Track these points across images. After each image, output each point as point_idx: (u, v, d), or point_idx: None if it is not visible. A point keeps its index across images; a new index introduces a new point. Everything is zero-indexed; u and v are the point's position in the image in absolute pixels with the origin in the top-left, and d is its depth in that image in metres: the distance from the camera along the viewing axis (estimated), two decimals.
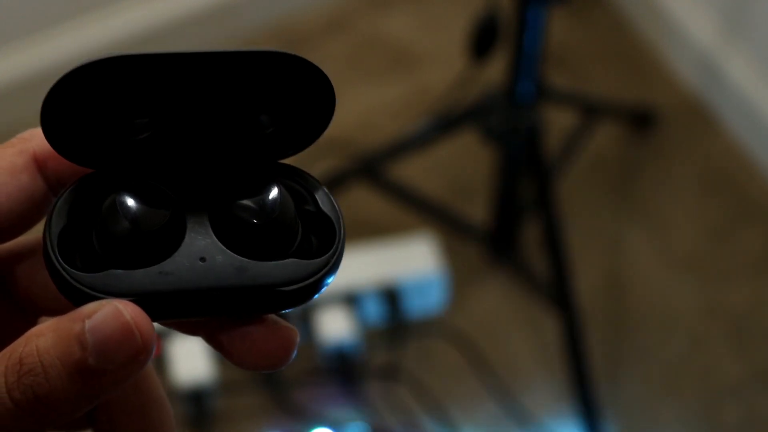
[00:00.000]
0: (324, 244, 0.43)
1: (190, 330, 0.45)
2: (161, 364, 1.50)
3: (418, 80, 1.89)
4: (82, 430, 0.46)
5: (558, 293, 1.56)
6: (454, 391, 1.60)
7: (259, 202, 0.42)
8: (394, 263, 1.61)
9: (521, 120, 1.51)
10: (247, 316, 0.43)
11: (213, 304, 0.42)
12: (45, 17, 1.79)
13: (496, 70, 1.62)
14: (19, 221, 0.45)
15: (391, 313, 1.62)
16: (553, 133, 1.72)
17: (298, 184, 0.44)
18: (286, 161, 0.45)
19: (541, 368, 1.62)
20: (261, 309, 0.42)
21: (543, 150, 1.54)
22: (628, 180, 1.80)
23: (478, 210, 1.72)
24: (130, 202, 0.41)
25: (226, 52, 0.41)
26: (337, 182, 1.65)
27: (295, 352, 0.43)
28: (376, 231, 1.70)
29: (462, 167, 1.79)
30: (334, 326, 1.56)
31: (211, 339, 0.44)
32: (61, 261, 0.41)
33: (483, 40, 1.54)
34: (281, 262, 0.42)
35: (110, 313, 0.39)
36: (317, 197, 0.44)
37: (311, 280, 0.42)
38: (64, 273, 0.40)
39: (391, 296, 1.61)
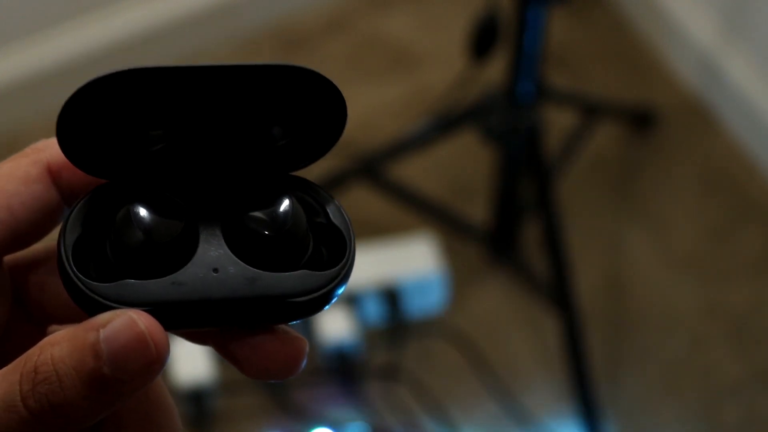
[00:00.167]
0: (334, 256, 0.44)
1: (201, 339, 0.46)
2: None
3: (418, 80, 1.89)
4: None
5: (558, 293, 1.56)
6: (454, 391, 1.60)
7: (271, 214, 0.43)
8: (394, 263, 1.61)
9: (521, 120, 1.51)
10: (258, 327, 0.43)
11: (225, 314, 0.42)
12: (45, 17, 1.79)
13: (496, 70, 1.62)
14: (33, 230, 0.45)
15: (391, 313, 1.62)
16: (553, 133, 1.72)
17: (310, 196, 0.45)
18: (298, 173, 0.45)
19: (541, 368, 1.63)
20: (272, 319, 0.43)
21: (543, 150, 1.54)
22: (628, 180, 1.80)
23: (478, 210, 1.72)
24: (144, 212, 0.41)
25: (240, 66, 0.41)
26: (337, 182, 1.65)
27: (305, 362, 0.44)
28: (376, 231, 1.70)
29: (462, 167, 1.79)
30: (334, 326, 1.56)
31: (222, 348, 0.44)
32: (75, 271, 0.41)
33: (483, 40, 1.54)
34: (293, 273, 0.42)
35: (125, 323, 0.39)
36: (328, 210, 0.44)
37: (322, 291, 0.43)
38: (78, 283, 0.41)
39: (391, 296, 1.61)
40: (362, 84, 1.88)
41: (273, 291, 0.42)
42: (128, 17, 1.84)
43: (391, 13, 1.97)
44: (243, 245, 0.43)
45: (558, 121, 1.77)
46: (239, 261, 0.42)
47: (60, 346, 0.39)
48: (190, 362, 1.52)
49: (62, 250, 0.41)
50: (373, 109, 1.85)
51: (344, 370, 1.59)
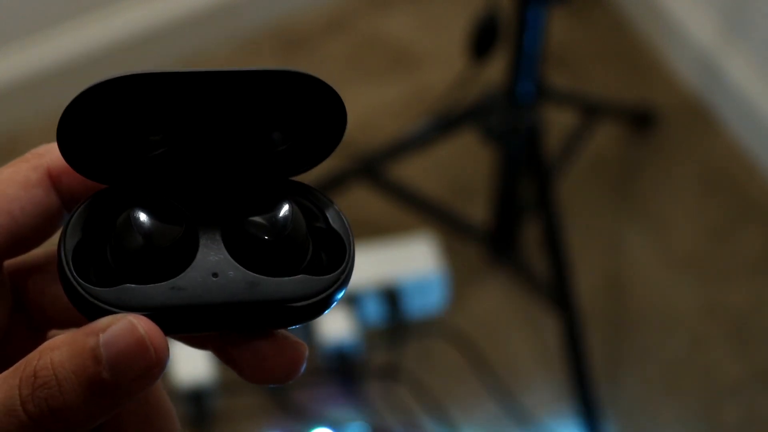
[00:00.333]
0: (334, 261, 0.44)
1: (200, 344, 0.46)
2: None
3: (418, 80, 1.89)
4: None
5: (558, 293, 1.56)
6: (454, 391, 1.61)
7: (270, 219, 0.43)
8: (394, 263, 1.61)
9: (521, 120, 1.51)
10: (257, 331, 0.43)
11: (225, 319, 0.42)
12: (45, 17, 1.79)
13: (496, 70, 1.62)
14: (33, 235, 0.45)
15: (391, 313, 1.62)
16: (553, 133, 1.72)
17: (309, 201, 0.45)
18: (297, 178, 0.45)
19: (541, 368, 1.63)
20: (272, 324, 0.43)
21: (543, 150, 1.54)
22: (628, 180, 1.80)
23: (478, 210, 1.72)
24: (144, 217, 0.41)
25: (240, 71, 0.42)
26: (337, 182, 1.65)
27: (304, 366, 0.44)
28: (376, 231, 1.70)
29: (462, 167, 1.79)
30: (334, 326, 1.56)
31: (221, 353, 0.44)
32: (75, 276, 0.41)
33: (483, 40, 1.54)
34: (292, 278, 0.43)
35: (124, 328, 0.39)
36: (328, 215, 0.45)
37: (321, 296, 0.43)
38: (78, 287, 0.41)
39: (391, 296, 1.61)
40: (362, 84, 1.88)
41: (272, 296, 0.42)
42: (128, 17, 1.84)
43: (391, 13, 1.97)
44: (243, 250, 0.43)
45: (558, 121, 1.77)
46: (239, 266, 0.42)
47: (60, 350, 0.39)
48: (190, 362, 1.52)
49: (62, 254, 0.41)
50: (373, 109, 1.85)
51: (344, 370, 1.59)
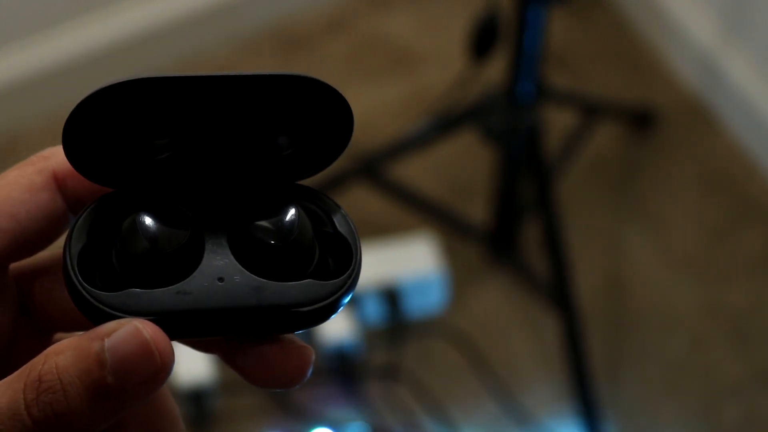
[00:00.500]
0: (340, 265, 0.44)
1: (206, 348, 0.46)
2: None
3: (418, 80, 1.89)
4: None
5: (558, 293, 1.56)
6: (454, 391, 1.61)
7: (277, 224, 0.43)
8: (394, 263, 1.61)
9: (521, 120, 1.51)
10: (263, 336, 0.43)
11: (231, 323, 0.42)
12: (45, 17, 1.79)
13: (496, 70, 1.62)
14: (38, 238, 0.45)
15: (391, 313, 1.62)
16: (553, 133, 1.72)
17: (316, 205, 0.45)
18: (304, 182, 0.45)
19: (541, 368, 1.63)
20: (278, 329, 0.43)
21: (543, 150, 1.54)
22: (628, 180, 1.80)
23: (478, 210, 1.72)
24: (150, 222, 0.41)
25: (246, 75, 0.41)
26: (337, 182, 1.65)
27: (311, 371, 0.43)
28: (376, 231, 1.70)
29: (462, 167, 1.79)
30: (334, 326, 1.56)
31: (227, 358, 0.44)
32: (81, 280, 0.41)
33: (483, 40, 1.54)
34: (298, 282, 0.42)
35: (129, 332, 0.39)
36: (335, 219, 0.44)
37: (328, 300, 0.43)
38: (83, 292, 0.41)
39: (391, 296, 1.61)
40: (362, 84, 1.88)
41: (279, 300, 0.42)
42: (128, 17, 1.84)
43: (391, 13, 1.97)
44: (249, 254, 0.42)
45: (558, 121, 1.77)
46: (245, 270, 0.42)
47: (64, 355, 0.39)
48: (190, 362, 1.52)
49: (67, 258, 0.41)
50: (373, 109, 1.85)
51: (344, 370, 1.59)
